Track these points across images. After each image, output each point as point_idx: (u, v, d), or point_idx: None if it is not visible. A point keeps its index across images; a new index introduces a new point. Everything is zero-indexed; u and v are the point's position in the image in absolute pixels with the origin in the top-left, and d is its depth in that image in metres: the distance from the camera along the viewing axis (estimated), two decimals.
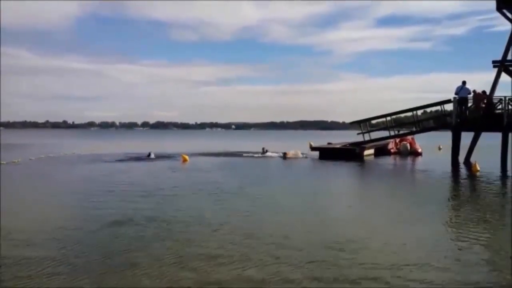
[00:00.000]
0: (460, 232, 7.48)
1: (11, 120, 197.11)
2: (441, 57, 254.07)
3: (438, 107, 23.35)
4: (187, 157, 22.35)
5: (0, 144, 32.79)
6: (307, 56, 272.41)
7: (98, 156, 24.71)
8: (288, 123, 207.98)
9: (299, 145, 35.66)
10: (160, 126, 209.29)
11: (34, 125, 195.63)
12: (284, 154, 24.35)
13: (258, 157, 24.81)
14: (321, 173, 18.42)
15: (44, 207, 9.80)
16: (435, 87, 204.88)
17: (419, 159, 25.17)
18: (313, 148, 26.93)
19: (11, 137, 61.88)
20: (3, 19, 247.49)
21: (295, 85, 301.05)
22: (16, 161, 20.75)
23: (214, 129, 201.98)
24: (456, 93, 21.05)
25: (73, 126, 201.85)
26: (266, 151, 26.08)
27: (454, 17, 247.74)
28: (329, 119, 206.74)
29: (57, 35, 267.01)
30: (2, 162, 19.54)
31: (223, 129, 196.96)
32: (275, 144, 39.59)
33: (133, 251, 6.20)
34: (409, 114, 24.61)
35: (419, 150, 27.79)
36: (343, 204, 10.64)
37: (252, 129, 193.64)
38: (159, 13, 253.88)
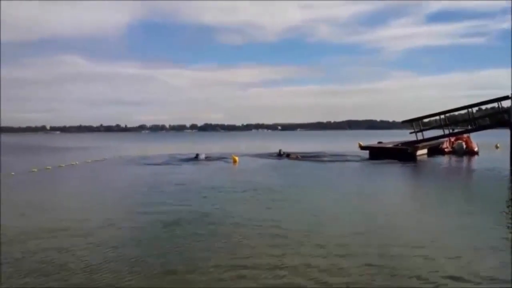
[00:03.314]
0: None
1: (67, 124, 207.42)
2: (495, 53, 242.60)
3: (495, 104, 22.39)
4: (237, 158, 22.39)
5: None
6: (355, 55, 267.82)
7: (150, 158, 25.39)
8: (335, 123, 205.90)
9: (348, 145, 35.27)
10: (208, 128, 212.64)
11: (89, 129, 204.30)
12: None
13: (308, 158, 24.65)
14: (376, 174, 18.06)
15: (102, 206, 10.13)
16: (490, 84, 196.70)
17: (476, 158, 24.18)
18: (362, 148, 26.49)
19: (68, 140, 64.77)
20: (62, 29, 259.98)
21: (343, 84, 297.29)
22: (74, 163, 21.69)
23: (260, 130, 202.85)
24: None
25: (125, 129, 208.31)
26: (283, 153, 25.54)
27: (508, 11, 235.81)
28: (378, 118, 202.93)
29: (110, 43, 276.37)
30: (61, 165, 20.53)
31: (269, 130, 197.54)
32: (323, 146, 39.33)
33: (187, 251, 6.29)
34: (463, 111, 23.75)
35: (475, 149, 26.68)
36: (406, 209, 10.42)
37: (298, 129, 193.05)
38: (207, 18, 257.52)
